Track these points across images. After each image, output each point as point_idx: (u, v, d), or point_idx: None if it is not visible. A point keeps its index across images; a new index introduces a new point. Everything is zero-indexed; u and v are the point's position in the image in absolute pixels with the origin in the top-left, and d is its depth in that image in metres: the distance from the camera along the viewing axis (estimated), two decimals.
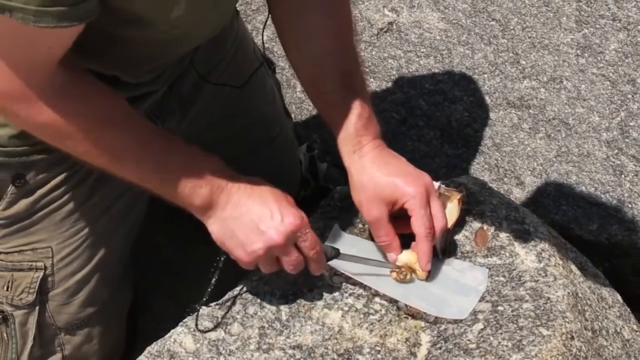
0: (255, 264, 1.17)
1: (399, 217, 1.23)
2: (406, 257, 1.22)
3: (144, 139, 1.13)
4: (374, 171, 1.22)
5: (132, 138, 1.12)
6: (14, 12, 0.91)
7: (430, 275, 1.23)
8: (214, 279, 1.20)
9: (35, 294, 1.35)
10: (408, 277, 1.22)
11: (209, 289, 1.20)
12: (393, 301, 1.23)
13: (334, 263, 1.22)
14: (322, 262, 1.19)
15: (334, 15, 1.28)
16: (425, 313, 1.20)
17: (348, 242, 1.28)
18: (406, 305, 1.21)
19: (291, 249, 1.15)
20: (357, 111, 1.23)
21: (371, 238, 1.29)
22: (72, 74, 1.08)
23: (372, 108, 1.26)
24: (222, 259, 1.19)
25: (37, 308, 1.37)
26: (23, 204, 1.28)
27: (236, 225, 1.14)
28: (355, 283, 1.24)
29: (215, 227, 1.16)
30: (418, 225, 1.20)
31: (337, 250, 1.21)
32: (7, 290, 1.35)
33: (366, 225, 1.31)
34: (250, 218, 1.14)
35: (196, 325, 1.20)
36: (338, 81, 1.25)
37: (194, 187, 1.13)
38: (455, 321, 1.18)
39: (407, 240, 1.23)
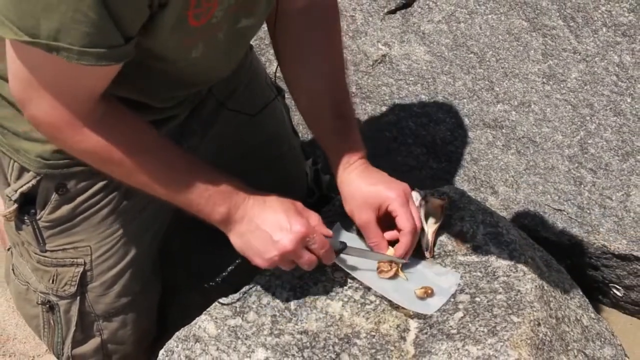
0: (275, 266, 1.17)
1: (383, 229, 1.24)
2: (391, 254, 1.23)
3: (171, 164, 1.13)
4: (360, 182, 1.24)
5: (161, 163, 1.12)
6: (60, 52, 0.93)
7: (408, 272, 1.23)
8: (232, 266, 1.21)
9: (76, 286, 1.36)
10: (391, 273, 1.22)
11: (230, 268, 1.21)
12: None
13: (339, 258, 1.22)
14: (332, 256, 1.19)
15: (329, 59, 1.30)
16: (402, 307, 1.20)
17: (348, 238, 1.28)
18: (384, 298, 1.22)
19: (302, 252, 1.15)
20: (346, 137, 1.26)
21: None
22: (109, 105, 1.08)
23: (359, 132, 1.27)
24: (238, 261, 1.20)
25: (78, 298, 1.38)
26: (65, 209, 1.29)
27: (253, 237, 1.14)
28: (353, 278, 1.24)
29: (235, 239, 1.16)
30: (403, 221, 1.21)
31: (345, 244, 1.21)
32: (53, 283, 1.36)
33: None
34: (264, 230, 1.13)
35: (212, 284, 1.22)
36: (331, 113, 1.27)
37: (214, 205, 1.13)
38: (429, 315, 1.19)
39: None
